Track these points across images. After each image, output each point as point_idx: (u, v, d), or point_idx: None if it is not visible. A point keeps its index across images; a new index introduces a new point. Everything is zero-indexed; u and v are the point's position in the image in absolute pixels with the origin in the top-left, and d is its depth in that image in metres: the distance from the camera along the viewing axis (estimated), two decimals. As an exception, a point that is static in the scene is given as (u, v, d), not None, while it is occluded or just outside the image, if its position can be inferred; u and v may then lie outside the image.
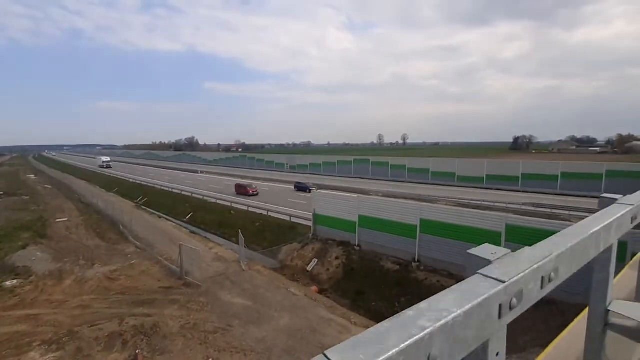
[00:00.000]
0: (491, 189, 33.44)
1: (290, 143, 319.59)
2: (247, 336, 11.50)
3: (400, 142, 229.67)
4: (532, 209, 22.71)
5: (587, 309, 1.57)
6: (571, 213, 21.35)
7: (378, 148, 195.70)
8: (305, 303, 13.77)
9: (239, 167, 73.54)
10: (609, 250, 1.39)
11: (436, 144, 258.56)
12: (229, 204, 31.23)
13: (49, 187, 56.69)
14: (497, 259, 0.85)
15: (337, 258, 18.54)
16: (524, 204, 23.61)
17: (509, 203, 24.43)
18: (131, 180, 55.35)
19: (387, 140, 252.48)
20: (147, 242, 22.73)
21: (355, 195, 19.09)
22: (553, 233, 1.10)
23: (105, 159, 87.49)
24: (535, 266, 0.85)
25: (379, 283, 16.10)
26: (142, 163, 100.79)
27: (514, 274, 0.79)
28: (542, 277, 0.88)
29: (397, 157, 48.41)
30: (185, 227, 28.38)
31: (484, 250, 0.89)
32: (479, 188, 34.31)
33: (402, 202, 17.14)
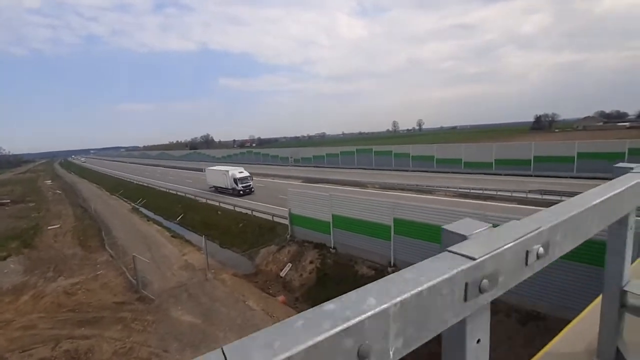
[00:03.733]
0: (500, 174, 30.44)
1: (305, 135, 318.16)
2: (179, 364, 10.10)
3: (416, 127, 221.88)
4: (539, 197, 19.94)
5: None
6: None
7: (393, 135, 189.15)
8: (259, 320, 12.23)
9: (245, 162, 72.74)
10: (622, 223, 1.29)
11: (454, 128, 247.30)
12: (217, 203, 30.04)
13: (59, 192, 58.04)
14: (473, 233, 0.76)
15: (311, 262, 16.84)
16: (531, 191, 20.82)
17: (514, 191, 21.70)
18: (135, 182, 55.51)
19: (403, 127, 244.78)
20: (124, 249, 21.88)
21: (327, 193, 17.19)
22: None
23: (239, 173, 34.57)
24: (518, 241, 0.76)
25: (351, 290, 14.27)
26: (155, 164, 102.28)
27: (490, 249, 0.70)
28: (527, 253, 0.78)
29: (402, 145, 45.65)
30: (172, 230, 27.51)
31: (462, 226, 0.79)
32: (487, 174, 31.39)
33: (375, 200, 15.11)
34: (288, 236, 19.26)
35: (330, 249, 16.68)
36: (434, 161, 37.73)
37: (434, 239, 12.02)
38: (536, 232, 0.81)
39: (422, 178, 32.19)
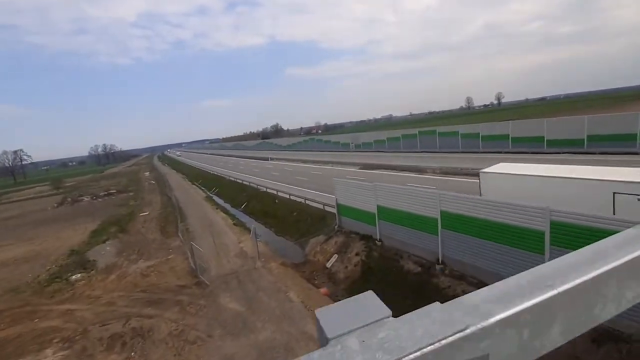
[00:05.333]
0: (594, 153, 25.37)
1: (371, 118, 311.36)
2: (219, 351, 10.75)
3: (495, 102, 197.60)
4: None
5: None
6: None
7: (466, 113, 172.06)
8: (296, 313, 12.31)
9: (309, 150, 74.13)
10: None
11: (542, 99, 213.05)
12: (275, 192, 31.20)
13: (153, 182, 67.09)
14: None
15: (357, 254, 16.35)
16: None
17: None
18: (211, 172, 61.02)
19: (480, 102, 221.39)
20: (193, 235, 24.20)
21: (371, 182, 16.28)
22: (609, 233, 0.69)
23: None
24: None
25: (395, 287, 13.45)
26: (229, 154, 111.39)
27: None
28: None
29: (470, 125, 41.19)
30: (236, 218, 29.48)
31: None
32: (577, 154, 26.46)
33: (419, 190, 13.76)
34: (336, 226, 19.01)
35: (376, 242, 15.94)
36: (508, 140, 33.27)
37: (484, 235, 10.49)
38: None
39: (492, 160, 28.58)
